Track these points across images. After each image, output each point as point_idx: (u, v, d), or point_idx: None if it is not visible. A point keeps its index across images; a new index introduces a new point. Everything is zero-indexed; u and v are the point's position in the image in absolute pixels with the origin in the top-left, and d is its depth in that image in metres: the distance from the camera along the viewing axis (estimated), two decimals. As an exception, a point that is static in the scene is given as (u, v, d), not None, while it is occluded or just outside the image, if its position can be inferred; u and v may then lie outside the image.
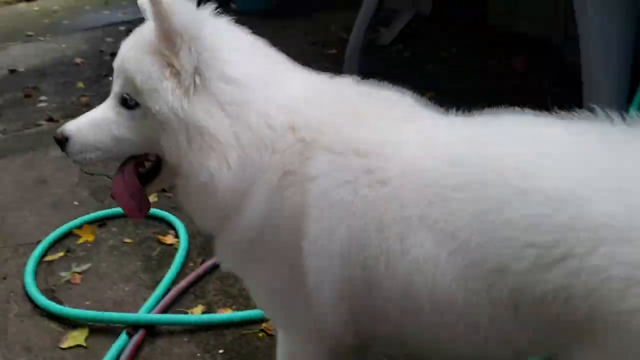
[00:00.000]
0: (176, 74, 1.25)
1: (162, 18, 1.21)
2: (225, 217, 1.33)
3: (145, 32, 1.32)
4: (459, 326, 1.12)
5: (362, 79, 1.40)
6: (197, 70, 1.25)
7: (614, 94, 2.47)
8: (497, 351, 1.15)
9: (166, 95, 1.24)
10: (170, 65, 1.25)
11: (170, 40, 1.23)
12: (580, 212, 0.94)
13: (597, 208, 0.94)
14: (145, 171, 1.41)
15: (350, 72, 1.43)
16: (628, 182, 0.96)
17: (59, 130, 1.39)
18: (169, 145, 1.28)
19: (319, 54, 4.94)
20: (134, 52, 1.31)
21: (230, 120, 1.25)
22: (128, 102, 1.31)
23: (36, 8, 7.98)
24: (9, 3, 8.21)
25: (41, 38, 6.51)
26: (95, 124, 1.36)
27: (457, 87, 3.65)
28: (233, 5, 6.40)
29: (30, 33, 6.72)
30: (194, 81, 1.25)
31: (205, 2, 1.35)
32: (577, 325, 0.97)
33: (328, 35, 5.45)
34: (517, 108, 1.20)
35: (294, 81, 1.36)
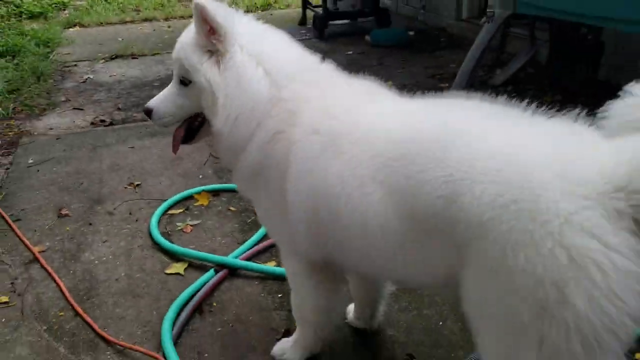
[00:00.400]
0: (211, 56, 1.79)
1: (205, 16, 1.72)
2: (235, 157, 1.86)
3: (189, 33, 1.85)
4: (395, 250, 1.58)
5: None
6: (227, 53, 1.78)
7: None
8: (421, 272, 1.60)
9: (205, 71, 1.78)
10: (208, 51, 1.79)
11: (214, 32, 1.75)
12: (469, 169, 1.37)
13: (479, 165, 1.36)
14: (195, 127, 1.99)
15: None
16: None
17: (145, 105, 1.98)
18: (204, 105, 1.84)
19: (433, 86, 5.38)
20: (182, 47, 1.85)
21: (238, 91, 1.77)
22: (183, 81, 1.87)
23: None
24: (184, 17, 9.55)
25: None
26: (166, 98, 1.94)
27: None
28: (367, 38, 7.04)
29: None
30: (223, 61, 1.78)
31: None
32: (462, 244, 1.40)
33: (446, 71, 5.87)
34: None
35: (291, 63, 1.85)
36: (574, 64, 5.05)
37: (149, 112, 1.98)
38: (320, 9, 7.63)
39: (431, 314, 2.46)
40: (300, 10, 8.52)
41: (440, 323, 2.41)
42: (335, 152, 1.66)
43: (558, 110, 1.48)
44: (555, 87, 4.94)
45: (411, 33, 7.21)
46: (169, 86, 1.96)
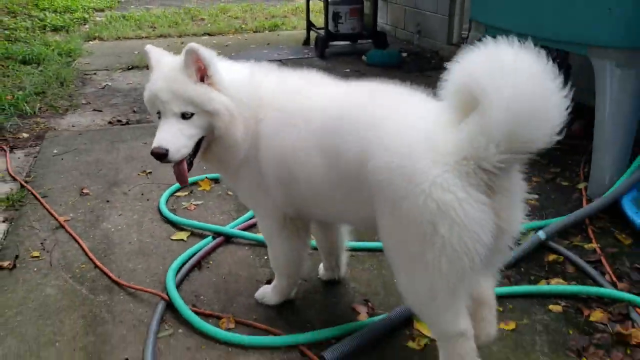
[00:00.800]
0: (212, 86, 2.18)
1: (198, 57, 2.13)
2: (235, 157, 2.31)
3: (176, 74, 2.15)
4: (333, 199, 2.14)
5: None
6: (220, 81, 2.19)
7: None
8: (354, 216, 2.18)
9: (217, 98, 2.17)
10: (208, 84, 2.17)
11: (204, 69, 2.16)
12: (375, 142, 1.90)
13: (382, 139, 1.88)
14: (193, 151, 2.24)
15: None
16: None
17: (155, 149, 2.13)
18: (219, 126, 2.19)
19: (418, 101, 5.93)
20: (180, 86, 2.14)
21: (240, 108, 2.22)
22: (186, 116, 2.16)
23: (214, 41, 9.81)
24: (196, 34, 10.19)
25: (212, 63, 8.24)
26: (175, 135, 2.15)
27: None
28: (364, 58, 7.63)
29: (205, 59, 8.50)
30: (219, 87, 2.19)
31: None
32: (371, 197, 1.93)
33: (434, 90, 6.43)
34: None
35: (247, 71, 2.36)
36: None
37: (164, 154, 2.14)
38: (323, 30, 8.25)
39: (389, 274, 2.97)
40: (304, 32, 9.14)
41: (395, 280, 2.91)
42: (291, 125, 2.19)
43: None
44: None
45: (404, 54, 7.80)
46: (167, 125, 2.17)
